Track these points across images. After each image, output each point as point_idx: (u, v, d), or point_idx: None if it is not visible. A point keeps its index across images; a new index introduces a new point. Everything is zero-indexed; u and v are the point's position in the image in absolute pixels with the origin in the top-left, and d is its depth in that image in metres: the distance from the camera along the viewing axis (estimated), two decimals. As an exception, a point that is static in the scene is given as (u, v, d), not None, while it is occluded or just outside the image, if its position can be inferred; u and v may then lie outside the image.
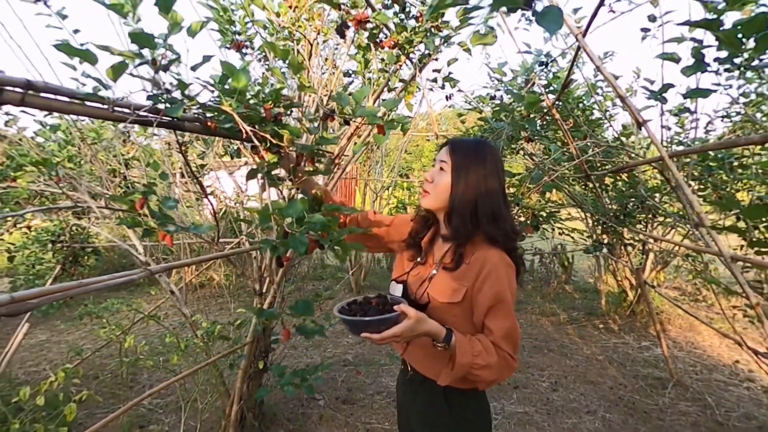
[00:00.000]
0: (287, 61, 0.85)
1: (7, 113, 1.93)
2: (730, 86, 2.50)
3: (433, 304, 1.04)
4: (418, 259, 1.14)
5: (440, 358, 1.00)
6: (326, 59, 2.25)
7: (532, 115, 2.17)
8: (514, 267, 1.02)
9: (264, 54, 1.91)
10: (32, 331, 3.79)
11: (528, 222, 2.35)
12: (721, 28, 1.18)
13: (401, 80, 1.82)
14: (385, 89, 1.83)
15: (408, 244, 1.18)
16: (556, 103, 2.30)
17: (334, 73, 1.89)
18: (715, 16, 1.19)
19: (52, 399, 1.76)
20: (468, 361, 0.91)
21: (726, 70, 1.64)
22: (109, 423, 2.31)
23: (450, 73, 1.71)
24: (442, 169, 1.04)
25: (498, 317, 0.97)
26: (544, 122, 2.85)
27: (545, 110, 2.32)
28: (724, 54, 1.49)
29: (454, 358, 0.93)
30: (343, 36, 1.37)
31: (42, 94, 0.64)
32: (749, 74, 2.52)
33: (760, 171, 2.42)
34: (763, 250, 1.20)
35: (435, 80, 1.71)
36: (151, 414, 2.49)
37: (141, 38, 0.70)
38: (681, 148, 2.70)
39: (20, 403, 1.53)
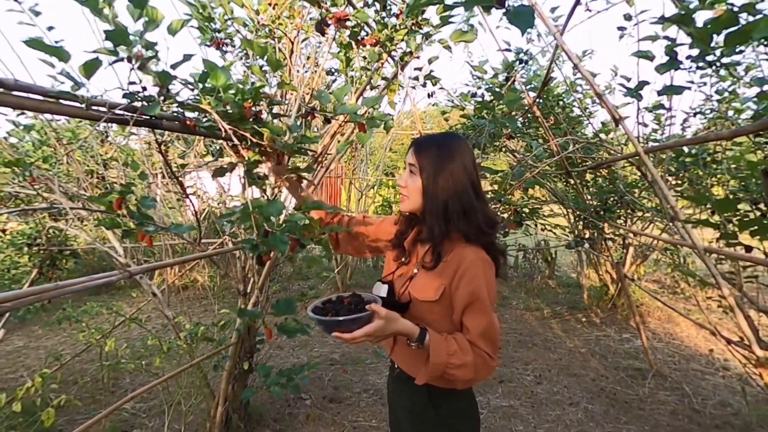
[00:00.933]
0: (266, 61, 0.84)
1: (-23, 113, 1.87)
2: (704, 84, 2.58)
3: (414, 303, 1.05)
4: (402, 259, 1.16)
5: (420, 357, 1.00)
6: (308, 57, 2.24)
7: (513, 113, 2.20)
8: (491, 263, 1.02)
9: (245, 52, 1.89)
10: (9, 337, 3.68)
11: (511, 218, 2.38)
12: (692, 26, 1.21)
13: (384, 78, 1.82)
14: (368, 87, 1.83)
15: (393, 244, 1.19)
16: (537, 100, 2.33)
17: (316, 71, 1.89)
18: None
19: (30, 405, 1.72)
20: (442, 361, 0.91)
21: (698, 67, 1.69)
22: (91, 428, 2.26)
23: (431, 71, 1.72)
24: (412, 172, 1.05)
25: (474, 315, 0.97)
26: (526, 120, 2.89)
27: (526, 108, 2.35)
28: (696, 52, 1.54)
29: (428, 357, 0.93)
30: (323, 33, 1.37)
31: (14, 93, 0.62)
32: (723, 72, 2.61)
33: (732, 166, 2.50)
34: (733, 241, 1.24)
35: (417, 78, 1.72)
36: (134, 419, 2.45)
37: (116, 35, 0.69)
38: (657, 144, 2.77)
39: (-4, 411, 1.49)
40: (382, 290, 1.12)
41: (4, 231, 3.20)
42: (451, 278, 0.99)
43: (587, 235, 3.58)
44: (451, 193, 0.99)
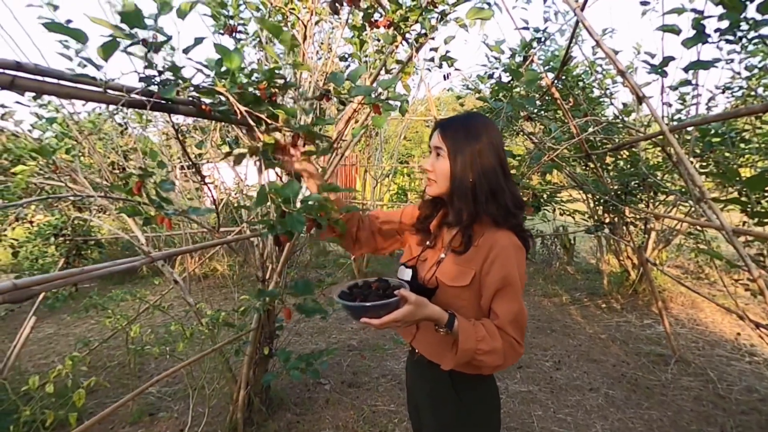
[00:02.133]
0: (279, 39, 0.83)
1: (2, 105, 1.92)
2: (732, 60, 2.47)
3: (441, 288, 1.03)
4: (427, 243, 1.13)
5: (445, 342, 0.99)
6: (321, 43, 2.23)
7: (531, 94, 2.15)
8: (523, 249, 0.99)
9: (258, 38, 1.89)
10: (39, 324, 3.83)
11: (529, 202, 2.34)
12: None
13: (398, 62, 1.80)
14: (382, 71, 1.80)
15: (417, 228, 1.16)
16: (556, 81, 2.27)
17: (329, 57, 1.87)
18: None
19: (62, 388, 1.79)
20: (471, 347, 0.90)
21: (727, 41, 1.61)
22: (120, 411, 2.35)
23: (447, 51, 1.69)
24: (438, 154, 1.02)
25: (504, 301, 0.95)
26: (544, 102, 2.83)
27: (545, 89, 2.29)
28: (725, 24, 1.47)
29: (457, 344, 0.92)
30: (336, 12, 1.35)
31: (32, 76, 0.63)
32: (751, 47, 2.49)
33: (762, 145, 2.40)
34: (764, 221, 1.19)
35: (432, 59, 1.69)
36: (160, 402, 2.53)
37: (131, 17, 0.69)
38: (682, 122, 2.67)
39: (30, 392, 1.55)
40: (405, 274, 1.10)
41: (31, 222, 3.31)
42: (482, 263, 0.97)
43: (607, 220, 3.50)
44: (479, 175, 0.97)
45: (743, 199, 1.82)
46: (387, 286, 0.98)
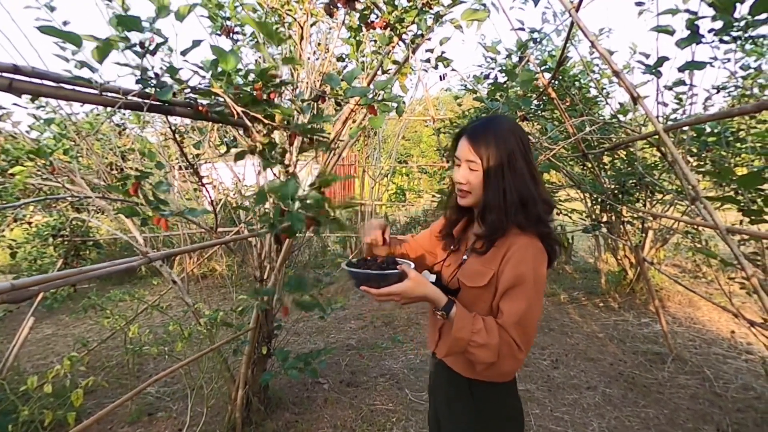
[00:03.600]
0: (264, 33, 0.83)
1: (0, 107, 1.92)
2: (728, 60, 2.48)
3: (462, 290, 1.02)
4: (452, 248, 1.14)
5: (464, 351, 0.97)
6: (318, 44, 2.23)
7: (527, 94, 2.16)
8: (544, 252, 0.96)
9: (255, 39, 1.89)
10: (38, 325, 3.83)
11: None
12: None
13: (395, 62, 1.81)
14: (379, 72, 1.81)
15: (443, 234, 1.18)
16: (552, 81, 2.28)
17: (326, 57, 1.88)
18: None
19: (60, 389, 1.80)
20: (465, 337, 0.88)
21: (721, 41, 1.62)
22: (118, 411, 2.35)
23: (443, 52, 1.70)
24: (471, 169, 0.99)
25: (512, 300, 0.92)
26: (541, 102, 2.84)
27: (541, 89, 2.30)
28: (718, 25, 1.48)
29: (450, 330, 0.91)
30: (331, 15, 1.36)
31: (30, 79, 0.64)
32: (748, 47, 2.50)
33: (757, 145, 2.42)
34: (756, 219, 1.20)
35: (428, 60, 1.70)
36: (158, 402, 2.53)
37: (127, 21, 0.70)
38: (677, 122, 2.69)
39: (29, 392, 1.56)
40: (430, 278, 1.10)
41: (30, 223, 3.31)
42: (500, 263, 0.96)
43: (605, 219, 3.52)
44: (510, 185, 0.95)
45: (739, 198, 1.83)
46: (393, 263, 1.00)
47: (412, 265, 0.98)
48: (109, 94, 0.74)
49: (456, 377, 1.07)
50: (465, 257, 1.06)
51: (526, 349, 0.92)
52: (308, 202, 0.83)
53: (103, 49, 0.66)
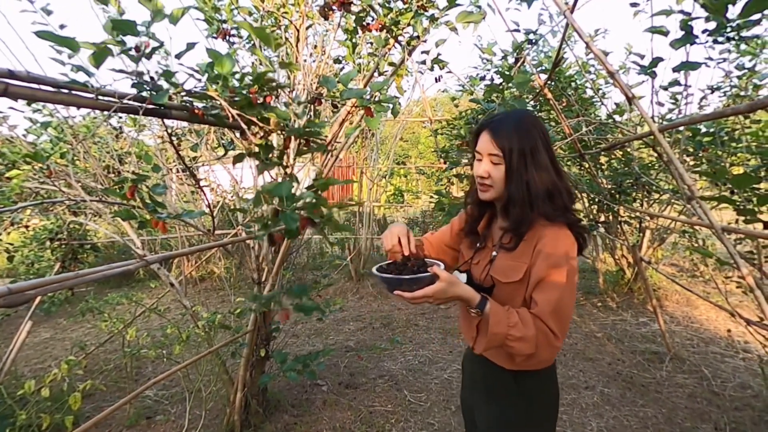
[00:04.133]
0: (260, 37, 0.84)
1: (-4, 111, 1.92)
2: (724, 60, 2.50)
3: (497, 287, 1.02)
4: (478, 245, 1.13)
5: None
6: (315, 46, 2.24)
7: (523, 96, 2.17)
8: (573, 240, 0.97)
9: (251, 42, 1.90)
10: (36, 329, 3.82)
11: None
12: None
13: (391, 64, 1.81)
14: (376, 74, 1.82)
15: (466, 232, 1.16)
16: (548, 82, 2.29)
17: (322, 59, 1.89)
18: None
19: (58, 393, 1.79)
20: (502, 331, 0.89)
21: (715, 42, 1.64)
22: (116, 414, 2.34)
23: (438, 54, 1.70)
24: (494, 163, 0.99)
25: (546, 290, 0.92)
26: (537, 102, 2.85)
27: (537, 90, 2.31)
28: (712, 26, 1.49)
29: (487, 326, 0.91)
30: (326, 18, 1.37)
31: (26, 84, 0.64)
32: (743, 47, 2.52)
33: (753, 144, 2.43)
34: (751, 218, 1.21)
35: (424, 62, 1.70)
36: (157, 405, 2.53)
37: (123, 25, 0.70)
38: (672, 122, 2.70)
39: (26, 396, 1.56)
40: (461, 278, 1.08)
41: (27, 227, 3.31)
42: (531, 255, 0.96)
43: (602, 219, 3.53)
44: (533, 178, 0.95)
45: (734, 197, 1.84)
46: (423, 264, 1.00)
47: (442, 266, 0.98)
48: (104, 98, 0.74)
49: (499, 371, 1.06)
50: (494, 253, 1.05)
51: (562, 335, 0.92)
52: (303, 202, 0.83)
53: (100, 54, 0.66)
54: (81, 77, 0.73)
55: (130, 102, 0.77)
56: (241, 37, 1.88)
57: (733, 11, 1.30)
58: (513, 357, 0.96)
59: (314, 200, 0.81)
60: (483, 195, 1.04)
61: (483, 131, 1.01)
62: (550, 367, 1.07)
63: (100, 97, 0.71)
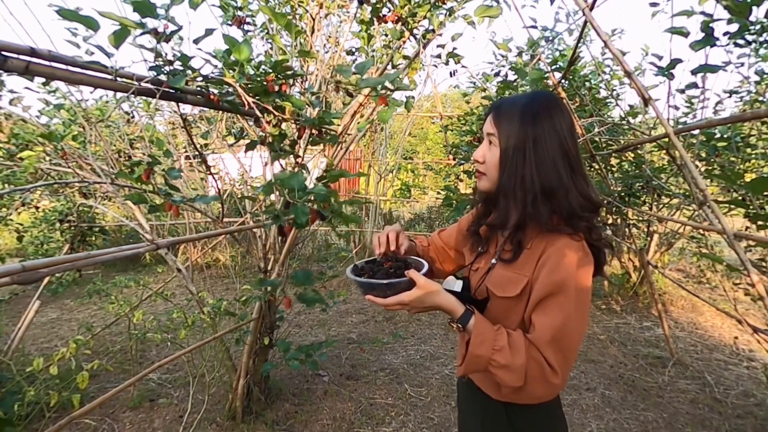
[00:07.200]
0: (284, 30, 0.84)
1: (11, 91, 1.93)
2: (742, 64, 2.46)
3: (492, 300, 0.88)
4: (480, 249, 0.97)
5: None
6: (329, 37, 2.23)
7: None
8: (589, 256, 0.80)
9: (266, 30, 1.89)
10: (43, 309, 3.87)
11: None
12: (731, -1, 1.15)
13: (405, 57, 1.80)
14: (389, 66, 1.81)
15: (470, 233, 1.00)
16: (562, 81, 2.27)
17: (336, 50, 1.88)
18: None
19: (65, 372, 1.82)
20: (485, 354, 0.75)
21: (736, 44, 1.61)
22: (120, 395, 2.38)
23: (454, 48, 1.69)
24: (490, 142, 0.86)
25: (547, 312, 0.76)
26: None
27: (551, 89, 2.29)
28: (734, 28, 1.46)
29: (468, 345, 0.78)
30: (363, 2, 1.34)
31: (46, 62, 0.64)
32: (762, 51, 2.47)
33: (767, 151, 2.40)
34: (762, 223, 1.19)
35: (439, 56, 1.69)
36: (160, 388, 2.56)
37: (143, 6, 0.70)
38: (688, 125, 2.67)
39: (34, 374, 1.58)
40: (456, 285, 0.92)
41: (37, 208, 3.35)
42: (533, 268, 0.81)
43: (610, 221, 3.50)
44: (531, 169, 0.79)
45: (747, 202, 1.82)
46: (403, 266, 0.88)
47: (426, 268, 0.88)
48: (122, 79, 0.74)
49: (488, 400, 0.92)
50: (494, 261, 0.91)
51: (562, 371, 0.76)
52: (314, 195, 0.83)
53: (120, 34, 0.67)
54: (99, 57, 0.73)
55: (148, 84, 0.77)
56: (255, 26, 1.88)
57: (756, 14, 1.28)
58: (500, 386, 0.83)
59: (325, 194, 0.80)
60: (479, 184, 0.91)
61: (491, 111, 0.88)
62: (551, 402, 0.90)
63: (118, 79, 0.71)
